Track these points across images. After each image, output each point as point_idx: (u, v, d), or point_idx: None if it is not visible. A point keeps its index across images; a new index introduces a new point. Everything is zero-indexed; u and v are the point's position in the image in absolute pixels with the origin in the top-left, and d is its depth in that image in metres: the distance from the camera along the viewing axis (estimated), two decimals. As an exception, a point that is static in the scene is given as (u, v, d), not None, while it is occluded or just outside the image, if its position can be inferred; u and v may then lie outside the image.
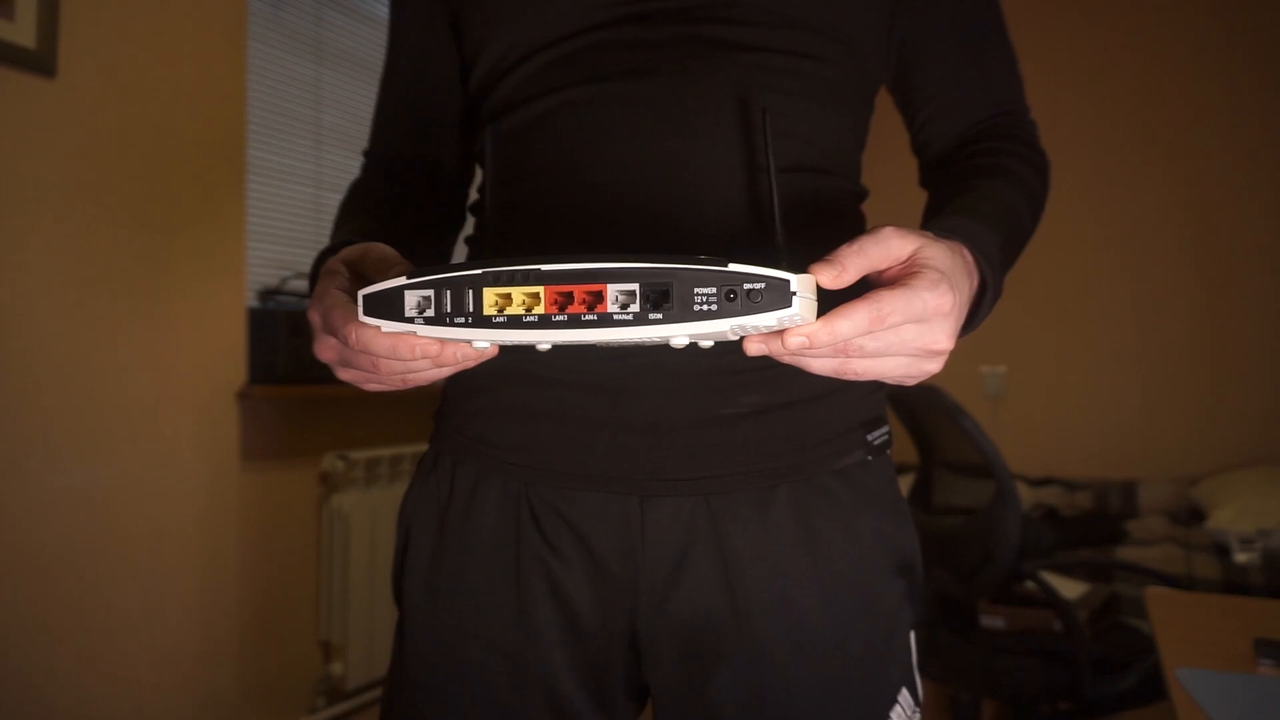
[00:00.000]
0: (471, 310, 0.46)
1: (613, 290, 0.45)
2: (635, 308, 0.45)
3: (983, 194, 0.66)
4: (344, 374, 0.58)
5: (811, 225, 0.67)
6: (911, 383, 0.52)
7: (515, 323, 0.46)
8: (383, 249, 0.59)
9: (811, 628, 0.66)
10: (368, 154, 0.83)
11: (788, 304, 0.44)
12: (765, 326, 0.45)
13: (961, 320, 0.52)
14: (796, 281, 0.44)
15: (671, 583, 0.67)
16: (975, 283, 0.55)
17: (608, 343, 0.48)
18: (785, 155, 0.65)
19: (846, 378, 0.50)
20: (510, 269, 0.46)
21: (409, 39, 0.80)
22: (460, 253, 0.80)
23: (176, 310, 1.96)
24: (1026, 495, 3.01)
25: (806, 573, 0.66)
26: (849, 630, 0.67)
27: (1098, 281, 3.23)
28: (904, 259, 0.50)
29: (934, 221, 0.59)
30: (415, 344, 0.49)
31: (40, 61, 1.68)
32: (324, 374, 2.25)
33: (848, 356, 0.48)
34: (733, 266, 0.44)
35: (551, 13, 0.67)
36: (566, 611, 0.68)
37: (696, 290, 0.44)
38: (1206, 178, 3.08)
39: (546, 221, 0.67)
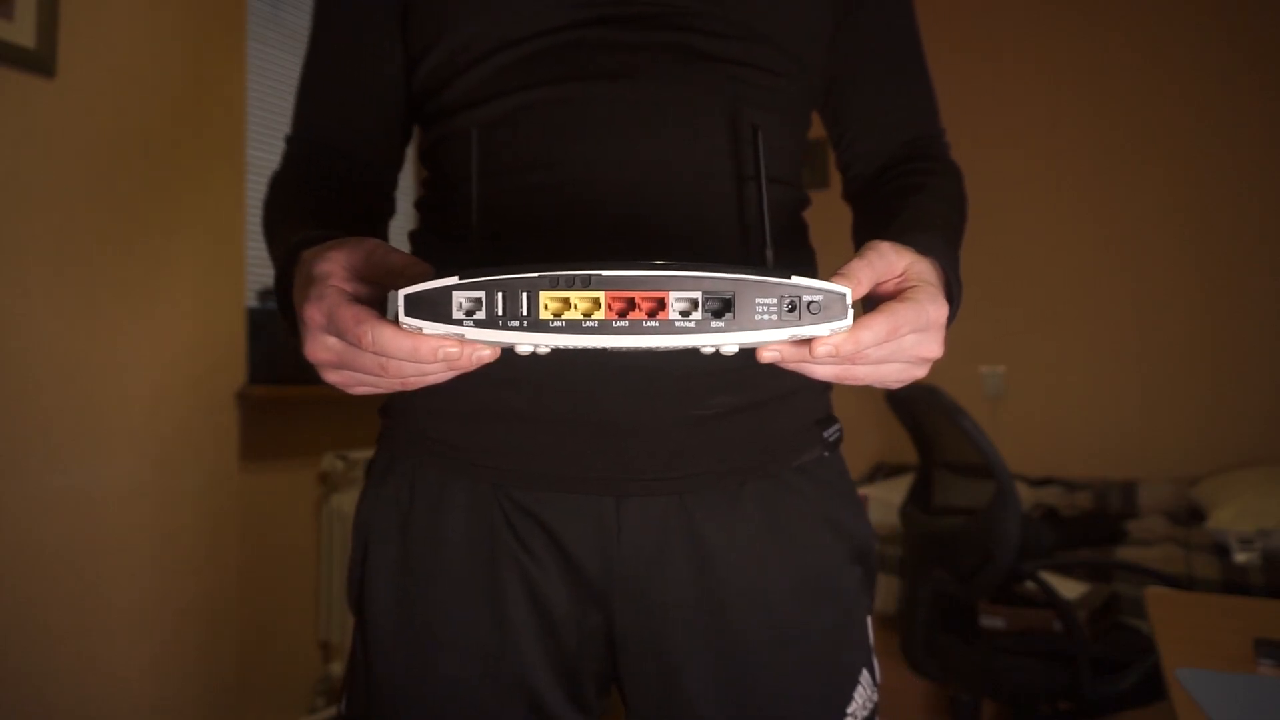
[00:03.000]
0: (526, 314, 0.45)
1: (674, 298, 0.45)
2: (697, 315, 0.45)
3: (928, 211, 0.70)
4: (334, 376, 0.55)
5: (778, 233, 0.69)
6: (897, 386, 0.55)
7: (573, 327, 0.45)
8: (383, 245, 0.56)
9: (781, 616, 0.69)
10: (291, 140, 0.79)
11: (843, 315, 0.46)
12: (815, 336, 0.47)
13: None
14: (849, 295, 0.47)
15: (647, 580, 0.68)
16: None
17: (654, 348, 0.48)
18: (754, 165, 0.67)
19: (845, 382, 0.53)
20: (570, 273, 0.45)
21: (344, 18, 0.76)
22: (402, 247, 0.79)
23: (176, 310, 1.96)
24: (1026, 495, 3.01)
25: (775, 564, 0.70)
26: (815, 617, 0.71)
27: (1097, 282, 3.23)
28: (898, 274, 0.53)
29: (895, 237, 0.60)
30: (439, 346, 0.48)
31: (40, 61, 1.68)
32: (324, 374, 2.24)
33: (853, 364, 0.51)
34: (795, 280, 0.46)
35: (520, 8, 0.67)
36: (542, 612, 0.69)
37: (758, 300, 0.46)
38: (1206, 178, 3.08)
39: (514, 218, 0.66)
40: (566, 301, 0.45)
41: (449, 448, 0.70)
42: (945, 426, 1.88)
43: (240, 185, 2.12)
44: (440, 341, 0.48)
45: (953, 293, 0.59)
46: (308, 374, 2.16)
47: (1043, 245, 3.27)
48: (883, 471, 3.42)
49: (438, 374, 0.53)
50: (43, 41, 1.68)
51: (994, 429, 3.26)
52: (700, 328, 0.45)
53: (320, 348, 0.53)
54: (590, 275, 0.45)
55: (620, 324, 0.45)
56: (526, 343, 0.46)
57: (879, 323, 0.49)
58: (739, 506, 0.69)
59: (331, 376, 0.55)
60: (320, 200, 0.73)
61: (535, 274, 0.45)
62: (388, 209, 0.81)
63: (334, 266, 0.54)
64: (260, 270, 2.28)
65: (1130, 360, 3.18)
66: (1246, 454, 2.96)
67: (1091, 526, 2.61)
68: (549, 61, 0.66)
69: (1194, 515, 2.75)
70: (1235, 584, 2.21)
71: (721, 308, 0.45)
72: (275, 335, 2.15)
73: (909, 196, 0.72)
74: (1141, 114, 3.18)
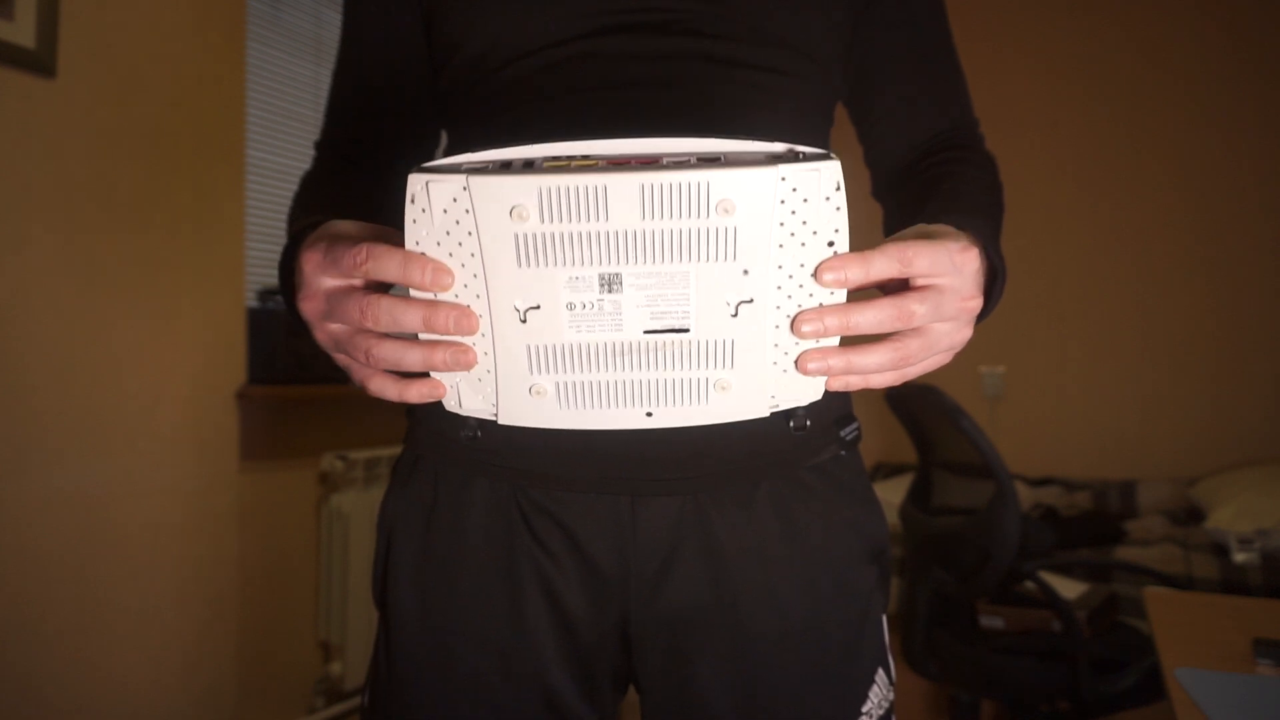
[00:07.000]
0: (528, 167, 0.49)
1: (667, 161, 0.48)
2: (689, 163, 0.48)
3: (961, 196, 0.69)
4: (321, 331, 0.56)
5: None
6: (951, 355, 0.56)
7: (564, 169, 0.47)
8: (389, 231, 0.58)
9: (793, 615, 0.69)
10: (321, 145, 0.81)
11: (827, 158, 0.48)
12: (807, 178, 0.47)
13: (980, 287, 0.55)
14: (833, 167, 0.48)
15: (661, 578, 0.69)
16: (983, 276, 0.57)
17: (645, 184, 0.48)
18: None
19: (908, 378, 0.54)
20: (569, 154, 0.48)
21: (371, 28, 0.78)
22: None
23: (176, 310, 1.96)
24: (1026, 495, 3.01)
25: (788, 563, 0.70)
26: (828, 616, 0.70)
27: (1097, 282, 3.24)
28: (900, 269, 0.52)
29: (928, 221, 0.60)
30: (427, 264, 0.49)
31: (40, 61, 1.68)
32: (323, 374, 2.24)
33: (901, 369, 0.53)
34: (780, 146, 0.49)
35: (537, 18, 0.67)
36: (559, 609, 0.70)
37: (746, 151, 0.49)
38: (1207, 177, 3.08)
39: None
40: (567, 164, 0.48)
41: (470, 449, 0.71)
42: (945, 426, 1.88)
43: (240, 185, 2.12)
44: (429, 260, 0.49)
45: (995, 267, 0.58)
46: (308, 374, 2.13)
47: (1043, 246, 3.28)
48: (882, 471, 3.42)
49: (411, 354, 0.52)
50: (43, 41, 1.68)
51: (994, 429, 3.27)
52: (688, 165, 0.47)
53: (311, 295, 0.54)
54: (586, 156, 0.48)
55: (608, 166, 0.47)
56: (527, 187, 0.47)
57: (883, 252, 0.50)
58: (753, 506, 0.69)
59: (320, 335, 0.56)
60: (346, 192, 0.74)
61: (538, 156, 0.48)
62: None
63: (343, 226, 0.56)
64: (260, 270, 2.28)
65: (1130, 360, 3.18)
66: (1246, 454, 2.96)
67: (1091, 526, 2.61)
68: (564, 72, 0.67)
69: (1193, 515, 2.75)
70: (1234, 584, 2.22)
71: (710, 162, 0.48)
72: (275, 335, 2.15)
73: (942, 184, 0.70)
74: (1143, 114, 3.18)
